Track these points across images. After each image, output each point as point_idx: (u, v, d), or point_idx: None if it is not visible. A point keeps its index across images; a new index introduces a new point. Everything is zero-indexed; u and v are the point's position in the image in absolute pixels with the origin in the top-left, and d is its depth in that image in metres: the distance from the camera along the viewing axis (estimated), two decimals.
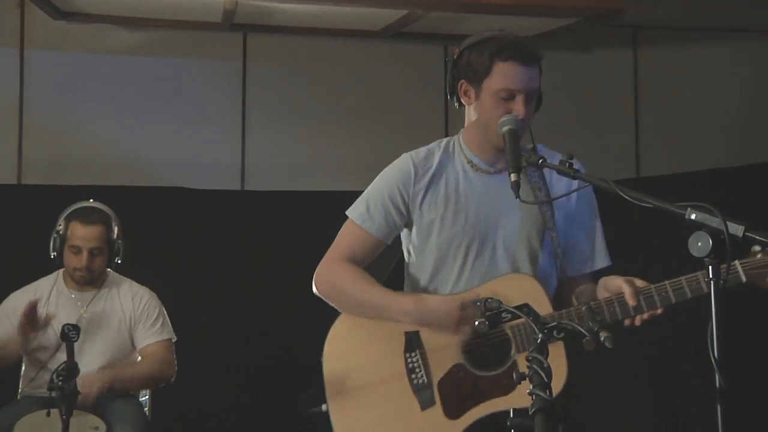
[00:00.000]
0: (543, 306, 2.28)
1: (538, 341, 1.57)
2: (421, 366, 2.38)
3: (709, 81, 5.73)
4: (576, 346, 2.24)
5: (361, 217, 2.51)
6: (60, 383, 2.68)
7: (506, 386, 2.26)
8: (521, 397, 2.20)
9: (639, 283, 2.27)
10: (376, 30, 5.05)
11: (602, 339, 1.66)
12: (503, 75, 2.37)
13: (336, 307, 2.53)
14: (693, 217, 1.64)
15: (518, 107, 2.37)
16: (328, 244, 2.63)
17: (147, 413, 3.76)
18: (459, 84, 2.48)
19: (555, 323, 1.67)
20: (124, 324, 3.75)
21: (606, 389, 4.74)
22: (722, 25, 5.66)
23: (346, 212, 2.55)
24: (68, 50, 5.25)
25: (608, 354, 4.67)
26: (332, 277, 2.50)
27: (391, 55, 5.41)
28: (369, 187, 2.56)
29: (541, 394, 1.42)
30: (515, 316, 1.68)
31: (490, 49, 2.39)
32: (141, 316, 3.77)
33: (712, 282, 1.57)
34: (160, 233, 5.05)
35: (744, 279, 2.08)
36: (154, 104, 5.33)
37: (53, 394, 2.73)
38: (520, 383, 1.53)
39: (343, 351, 2.48)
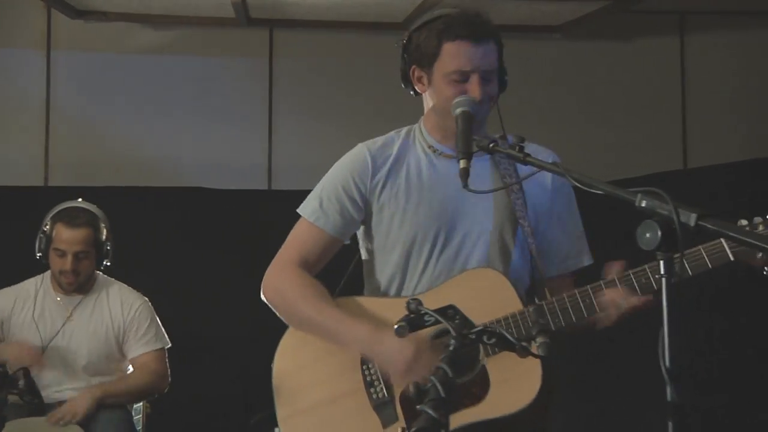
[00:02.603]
0: (512, 302, 2.06)
1: (451, 349, 1.38)
2: (380, 379, 2.14)
3: (760, 68, 5.41)
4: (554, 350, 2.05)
5: (314, 213, 2.28)
6: None
7: (476, 394, 2.03)
8: (494, 405, 2.01)
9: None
10: (400, 21, 4.89)
11: (537, 345, 1.45)
12: (453, 56, 2.16)
13: (282, 319, 2.30)
14: (643, 204, 1.43)
15: (473, 88, 2.14)
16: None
17: (140, 422, 3.64)
18: (411, 70, 2.27)
19: (481, 328, 1.47)
20: (111, 332, 3.60)
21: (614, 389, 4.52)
22: None
23: (298, 210, 2.32)
24: (94, 51, 5.24)
25: (618, 352, 4.48)
26: (281, 285, 2.26)
27: None
28: (321, 181, 2.33)
29: (430, 412, 1.22)
30: (438, 320, 1.48)
31: (437, 29, 2.18)
32: (131, 325, 3.62)
33: (663, 279, 1.35)
34: (189, 234, 5.00)
35: (732, 257, 1.87)
36: (181, 104, 5.29)
37: None
38: (417, 400, 1.31)
39: (295, 367, 2.25)
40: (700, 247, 1.89)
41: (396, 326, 1.53)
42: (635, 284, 1.96)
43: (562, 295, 2.05)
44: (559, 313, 2.05)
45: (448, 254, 2.21)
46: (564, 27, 4.96)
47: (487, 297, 2.06)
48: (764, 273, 1.85)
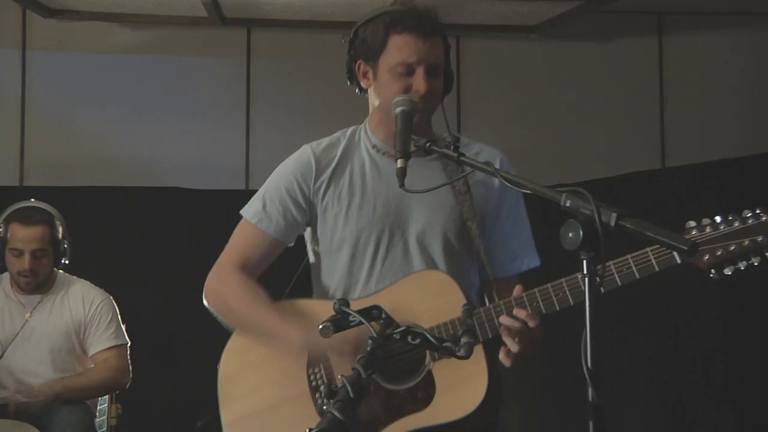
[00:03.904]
0: (460, 304, 1.95)
1: (368, 350, 1.36)
2: (326, 383, 2.11)
3: (738, 68, 5.42)
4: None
5: (257, 215, 2.24)
6: None
7: (422, 400, 2.00)
8: (441, 410, 1.99)
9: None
10: None
11: (460, 345, 1.44)
12: (399, 48, 2.12)
13: (223, 324, 2.27)
14: (568, 204, 1.41)
15: (418, 82, 2.11)
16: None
17: (104, 423, 3.61)
18: (356, 65, 2.23)
19: (404, 328, 1.45)
20: (72, 329, 3.57)
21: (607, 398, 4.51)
22: (751, 9, 5.34)
23: (241, 212, 2.29)
24: (70, 50, 5.23)
25: (609, 363, 4.49)
26: (221, 289, 2.23)
27: None
28: (266, 182, 2.30)
29: (336, 413, 1.20)
30: (361, 321, 1.47)
31: (385, 22, 2.15)
32: (92, 320, 3.59)
33: (586, 280, 1.34)
34: (166, 234, 4.98)
35: (678, 260, 1.84)
36: (158, 104, 5.28)
37: None
38: (327, 401, 1.29)
39: (240, 370, 2.22)
40: (647, 249, 1.87)
41: (320, 326, 1.52)
42: (567, 293, 1.93)
43: (509, 299, 2.01)
44: (485, 323, 2.01)
45: (393, 256, 2.17)
46: (540, 27, 4.96)
47: (435, 300, 2.03)
48: (711, 276, 1.83)
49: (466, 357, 1.44)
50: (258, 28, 5.26)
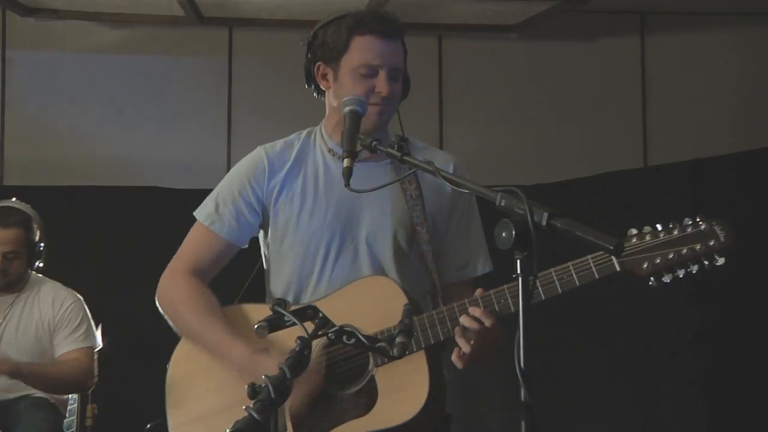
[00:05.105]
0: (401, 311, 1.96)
1: (296, 350, 1.36)
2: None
3: (719, 67, 5.43)
4: (446, 352, 2.03)
5: (210, 218, 2.21)
6: None
7: (364, 405, 1.98)
8: (381, 416, 1.97)
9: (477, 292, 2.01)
10: None
11: (394, 345, 1.44)
12: (362, 49, 2.11)
13: (173, 328, 2.25)
14: (503, 204, 1.41)
15: (381, 84, 2.11)
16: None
17: (73, 423, 3.61)
18: (316, 67, 2.21)
19: (338, 328, 1.45)
20: (42, 329, 3.55)
21: (579, 394, 4.51)
22: (733, 9, 5.36)
23: (194, 213, 2.27)
24: (50, 50, 5.22)
25: (581, 360, 4.47)
26: (173, 294, 2.22)
27: None
28: (219, 184, 2.27)
29: (254, 414, 1.20)
30: (295, 322, 1.46)
31: (347, 24, 2.14)
32: (61, 321, 3.56)
33: (519, 279, 1.34)
34: (147, 234, 4.96)
35: (618, 268, 1.82)
36: (139, 103, 5.28)
37: None
38: (253, 398, 1.29)
39: (188, 375, 2.20)
40: (588, 257, 1.86)
41: (255, 326, 1.52)
42: (499, 301, 1.93)
43: (462, 302, 1.99)
44: (437, 326, 2.00)
45: (343, 261, 2.16)
46: (519, 27, 4.96)
47: (380, 305, 2.02)
48: (650, 283, 1.82)
49: (399, 357, 1.44)
50: (239, 28, 5.26)
